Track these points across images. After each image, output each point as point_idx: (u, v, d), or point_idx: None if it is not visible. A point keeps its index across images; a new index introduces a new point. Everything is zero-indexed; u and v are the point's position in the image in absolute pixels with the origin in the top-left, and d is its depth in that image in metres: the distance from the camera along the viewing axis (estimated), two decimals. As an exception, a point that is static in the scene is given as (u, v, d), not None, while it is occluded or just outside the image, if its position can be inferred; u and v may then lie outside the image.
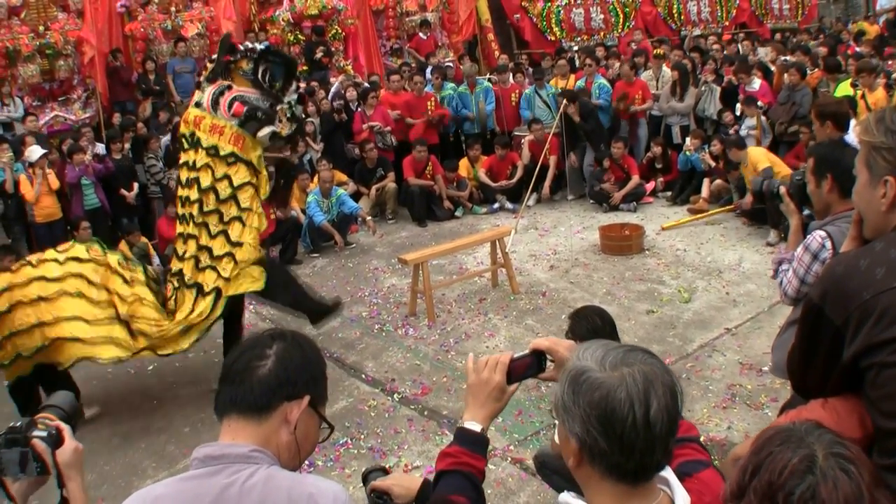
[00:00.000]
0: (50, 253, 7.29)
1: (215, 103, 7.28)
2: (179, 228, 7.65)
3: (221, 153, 7.25)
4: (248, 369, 2.34)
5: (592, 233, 11.90)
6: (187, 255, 7.47)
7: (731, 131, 13.30)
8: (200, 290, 7.38)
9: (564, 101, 13.76)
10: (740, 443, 5.84)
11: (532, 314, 9.25)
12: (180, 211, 7.62)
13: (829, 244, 4.20)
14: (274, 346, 2.39)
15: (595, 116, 14.05)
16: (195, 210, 7.37)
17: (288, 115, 7.46)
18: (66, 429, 2.55)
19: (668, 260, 10.67)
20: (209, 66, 7.61)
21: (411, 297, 9.62)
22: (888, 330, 2.43)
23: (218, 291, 7.36)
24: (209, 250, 7.33)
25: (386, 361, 8.43)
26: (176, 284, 7.55)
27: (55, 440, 2.50)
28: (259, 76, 7.34)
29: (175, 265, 7.64)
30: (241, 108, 7.17)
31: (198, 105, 7.44)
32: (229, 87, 7.30)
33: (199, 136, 7.34)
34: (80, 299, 7.00)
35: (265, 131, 7.27)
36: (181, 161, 7.72)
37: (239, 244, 7.34)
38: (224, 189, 7.29)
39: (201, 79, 7.54)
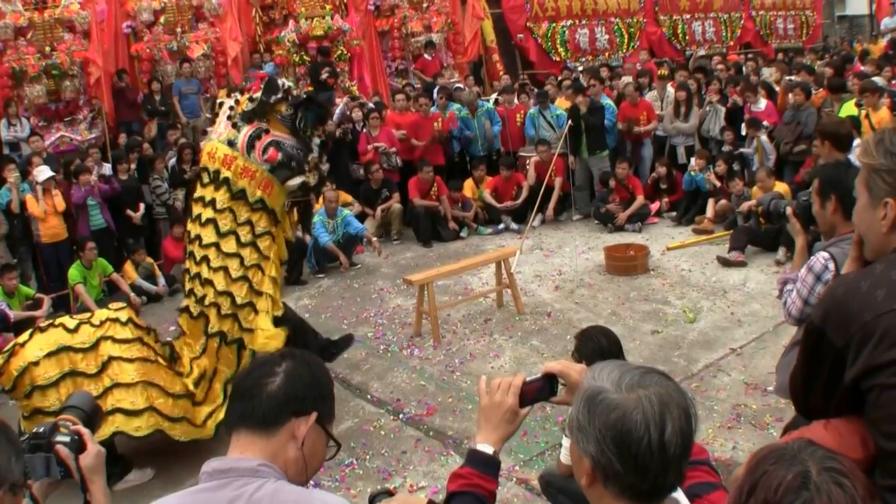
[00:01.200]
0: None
1: (251, 146, 6.95)
2: (193, 268, 7.26)
3: (250, 199, 6.98)
4: (258, 385, 2.37)
5: (597, 253, 11.91)
6: (208, 301, 7.12)
7: (728, 148, 13.44)
8: (224, 339, 7.12)
9: (573, 93, 14.09)
10: (745, 463, 5.84)
11: (537, 335, 9.25)
12: (192, 248, 7.29)
13: (832, 266, 4.20)
14: (283, 363, 2.42)
15: (601, 115, 14.18)
16: (212, 253, 7.07)
17: (317, 146, 7.28)
18: (87, 433, 2.60)
19: (672, 280, 10.67)
20: (247, 102, 7.13)
21: (416, 318, 9.62)
22: (889, 352, 2.44)
23: (240, 342, 7.12)
24: (230, 296, 7.04)
25: (391, 382, 8.43)
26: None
27: (78, 445, 2.55)
28: (297, 122, 7.10)
29: (190, 305, 7.32)
30: (275, 155, 6.91)
31: (231, 144, 7.05)
32: (266, 131, 7.00)
33: (227, 176, 7.00)
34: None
35: (296, 181, 7.04)
36: (196, 195, 7.34)
37: (259, 293, 7.10)
38: (245, 234, 7.02)
39: (236, 117, 7.10)
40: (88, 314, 6.95)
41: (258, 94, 7.05)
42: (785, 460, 1.80)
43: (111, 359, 6.52)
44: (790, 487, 1.74)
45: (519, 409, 2.45)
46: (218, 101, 7.71)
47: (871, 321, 2.47)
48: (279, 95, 7.04)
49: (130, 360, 6.60)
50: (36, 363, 6.31)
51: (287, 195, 7.23)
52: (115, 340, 6.62)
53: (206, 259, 7.09)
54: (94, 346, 6.52)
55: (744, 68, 18.94)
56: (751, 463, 1.88)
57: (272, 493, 2.24)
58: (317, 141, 7.36)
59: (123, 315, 6.85)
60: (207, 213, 7.10)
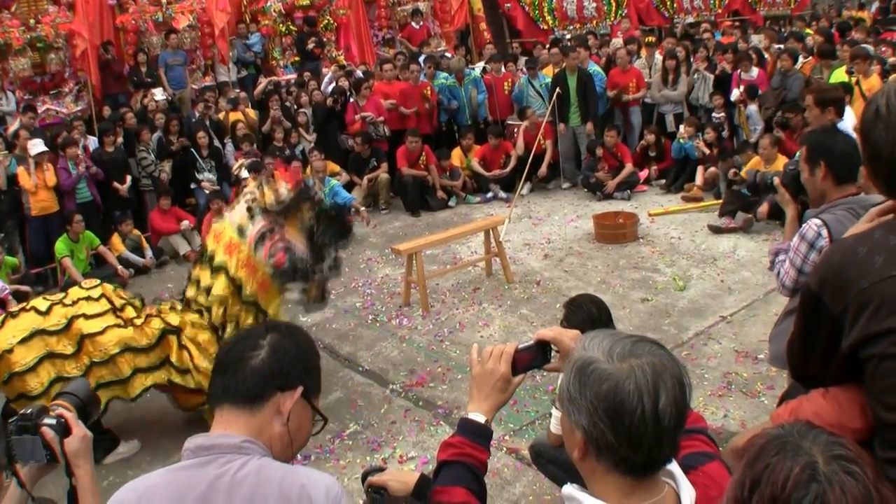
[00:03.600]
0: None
1: (260, 241, 6.64)
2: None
3: (243, 293, 6.71)
4: (242, 359, 2.34)
5: (586, 221, 11.88)
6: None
7: (721, 116, 13.43)
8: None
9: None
10: (738, 432, 5.84)
11: (526, 303, 9.23)
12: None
13: (825, 232, 4.17)
14: (268, 336, 2.38)
15: (591, 84, 14.12)
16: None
17: (329, 264, 7.03)
18: (71, 417, 2.57)
19: (662, 248, 10.65)
20: (272, 198, 6.77)
21: (405, 288, 9.60)
22: (887, 320, 2.38)
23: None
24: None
25: (380, 352, 8.42)
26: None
27: (63, 429, 2.51)
28: (316, 231, 6.86)
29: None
30: (282, 260, 6.60)
31: (241, 232, 6.73)
32: (281, 228, 6.71)
33: (223, 264, 6.73)
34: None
35: (293, 290, 6.88)
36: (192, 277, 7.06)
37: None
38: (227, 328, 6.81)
39: (255, 209, 6.75)
40: (61, 294, 6.85)
41: (287, 195, 6.80)
42: (788, 450, 1.71)
43: (84, 337, 6.45)
44: (798, 481, 1.64)
45: (512, 377, 2.42)
46: (239, 173, 7.28)
47: (868, 287, 2.42)
48: (307, 196, 6.88)
49: (102, 332, 6.51)
50: (9, 351, 6.26)
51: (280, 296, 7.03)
52: (86, 317, 6.54)
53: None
54: (68, 325, 6.45)
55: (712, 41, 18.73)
56: (750, 454, 1.77)
57: (256, 470, 2.21)
58: (332, 255, 7.09)
59: (96, 292, 6.77)
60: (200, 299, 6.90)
